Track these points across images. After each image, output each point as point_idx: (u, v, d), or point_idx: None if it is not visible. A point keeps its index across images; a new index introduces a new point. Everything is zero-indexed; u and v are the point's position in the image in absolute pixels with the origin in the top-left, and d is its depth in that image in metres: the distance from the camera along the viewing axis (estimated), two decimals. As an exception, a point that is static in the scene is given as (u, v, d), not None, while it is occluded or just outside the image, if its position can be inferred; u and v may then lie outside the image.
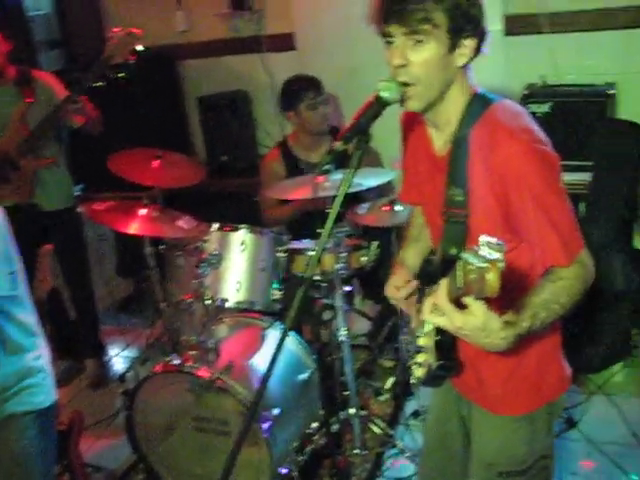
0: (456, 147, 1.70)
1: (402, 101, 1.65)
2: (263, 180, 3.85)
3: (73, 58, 5.15)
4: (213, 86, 4.85)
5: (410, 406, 3.44)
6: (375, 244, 3.21)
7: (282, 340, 1.66)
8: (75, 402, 3.71)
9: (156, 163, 3.26)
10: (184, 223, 3.17)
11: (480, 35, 1.64)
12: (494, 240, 1.25)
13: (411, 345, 1.90)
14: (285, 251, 3.09)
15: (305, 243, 3.23)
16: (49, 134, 3.57)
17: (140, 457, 3.01)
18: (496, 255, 1.23)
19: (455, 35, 1.59)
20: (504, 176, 1.59)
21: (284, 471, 2.84)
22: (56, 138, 3.73)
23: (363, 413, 3.22)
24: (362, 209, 3.40)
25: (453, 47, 1.61)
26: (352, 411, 3.08)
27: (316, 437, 3.05)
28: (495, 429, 1.90)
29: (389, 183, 3.27)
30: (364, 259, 3.17)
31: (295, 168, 3.68)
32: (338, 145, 1.62)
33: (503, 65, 3.89)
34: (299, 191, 2.93)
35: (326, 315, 2.86)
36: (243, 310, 3.12)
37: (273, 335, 3.04)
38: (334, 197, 1.65)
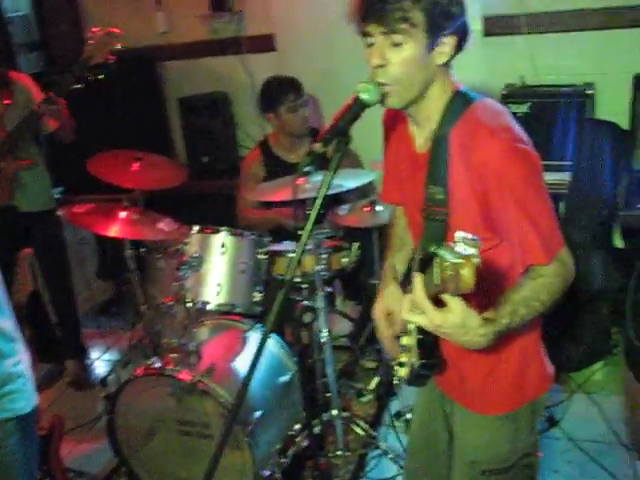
0: (436, 145, 1.70)
1: (382, 100, 1.65)
2: (242, 180, 3.85)
3: (52, 60, 5.11)
4: (193, 87, 4.83)
5: (393, 407, 3.44)
6: (356, 245, 3.21)
7: (263, 344, 1.66)
8: (56, 406, 3.68)
9: (136, 165, 3.25)
10: (165, 225, 3.15)
11: (461, 32, 1.63)
12: (469, 236, 1.25)
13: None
14: (266, 253, 3.08)
15: (286, 245, 3.23)
16: (27, 136, 3.55)
17: (122, 461, 2.99)
18: (471, 251, 1.23)
19: (434, 34, 1.59)
20: (484, 175, 1.59)
21: (267, 473, 2.83)
22: (35, 140, 3.71)
23: (345, 414, 3.22)
24: (343, 210, 3.41)
25: (432, 46, 1.60)
26: (334, 412, 3.08)
27: (299, 439, 3.04)
28: (478, 427, 1.90)
29: (370, 184, 3.27)
30: (345, 260, 3.17)
31: (275, 168, 3.68)
32: (317, 147, 1.62)
33: (482, 66, 3.90)
34: (279, 193, 2.93)
35: (307, 318, 2.85)
36: (224, 313, 3.11)
37: (254, 337, 3.04)
38: (314, 199, 1.65)
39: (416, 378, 1.72)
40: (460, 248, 1.23)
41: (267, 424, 2.83)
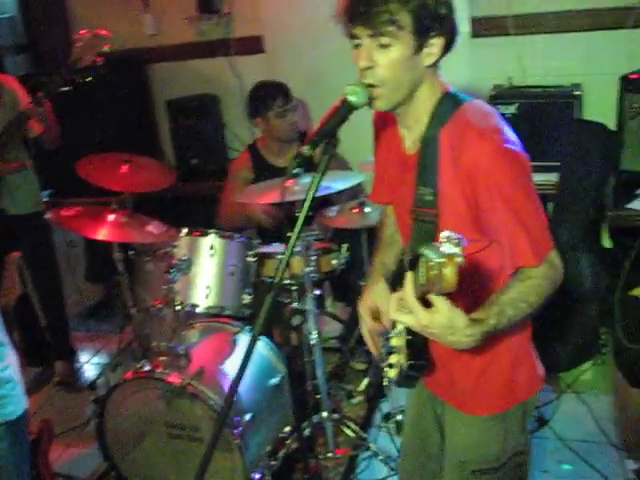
0: (426, 146, 1.70)
1: (370, 102, 1.65)
2: (229, 181, 3.85)
3: (39, 62, 5.10)
4: (182, 89, 4.82)
5: (383, 408, 3.45)
6: (345, 247, 3.21)
7: (251, 347, 1.66)
8: (44, 410, 3.66)
9: (125, 168, 3.24)
10: (153, 228, 3.14)
11: (449, 33, 1.63)
12: (454, 235, 1.25)
13: (382, 346, 1.90)
14: (255, 255, 3.08)
15: (275, 247, 3.23)
16: (16, 138, 3.53)
17: (111, 465, 2.98)
18: (454, 250, 1.23)
19: (421, 36, 1.58)
20: (474, 176, 1.59)
21: (257, 476, 2.82)
22: (24, 143, 3.69)
23: (335, 416, 3.22)
24: (332, 212, 3.40)
25: (420, 47, 1.60)
26: (324, 414, 3.08)
27: (289, 441, 3.04)
28: (467, 427, 1.90)
29: (359, 185, 3.27)
30: (334, 262, 3.18)
31: (264, 172, 3.66)
32: (305, 150, 1.61)
33: (470, 67, 3.92)
34: (268, 195, 2.93)
35: (296, 320, 2.85)
36: (213, 315, 3.11)
37: (244, 340, 3.04)
38: (303, 201, 1.65)
39: (405, 379, 1.72)
40: (445, 248, 1.23)
41: (257, 427, 2.82)
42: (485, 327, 1.48)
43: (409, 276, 1.39)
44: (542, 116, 3.73)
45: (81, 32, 3.21)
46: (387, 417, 3.35)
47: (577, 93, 3.73)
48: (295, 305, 3.03)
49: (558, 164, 3.62)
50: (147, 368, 2.80)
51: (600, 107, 3.77)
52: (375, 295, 1.97)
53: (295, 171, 1.65)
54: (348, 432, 3.25)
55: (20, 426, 2.25)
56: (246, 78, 4.42)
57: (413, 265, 1.39)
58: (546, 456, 3.07)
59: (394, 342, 1.70)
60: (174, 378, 2.72)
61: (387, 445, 3.20)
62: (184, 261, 2.94)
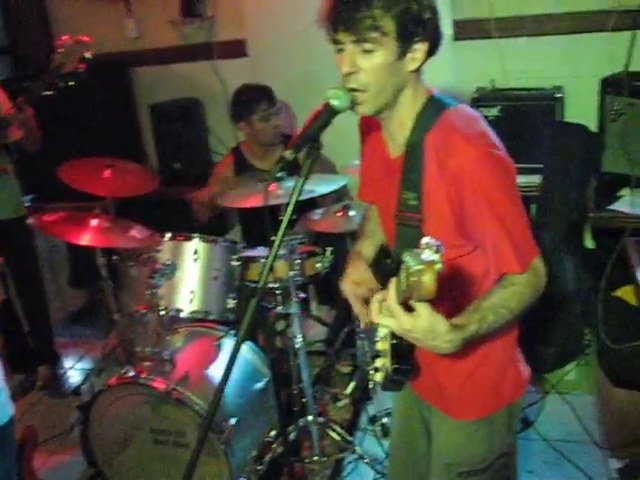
0: (410, 151, 1.70)
1: (352, 106, 1.64)
2: (210, 184, 3.85)
3: (21, 66, 5.06)
4: (165, 94, 4.80)
5: (369, 411, 3.45)
6: (329, 250, 3.21)
7: (235, 353, 1.66)
8: (28, 417, 3.64)
9: (107, 172, 3.23)
10: (137, 233, 3.13)
11: (433, 38, 1.63)
12: (433, 242, 1.24)
13: (367, 350, 1.91)
14: (239, 259, 3.07)
15: (259, 251, 3.22)
16: (-4, 143, 3.51)
17: (96, 472, 2.97)
18: (433, 257, 1.23)
19: (405, 41, 1.58)
20: (459, 181, 1.58)
21: (243, 481, 2.83)
22: (5, 147, 3.66)
23: (321, 420, 3.22)
24: (316, 215, 3.40)
25: (404, 53, 1.59)
26: (310, 418, 3.08)
27: (274, 445, 3.03)
28: (454, 430, 1.91)
29: (343, 188, 3.28)
30: (319, 265, 3.17)
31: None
32: (288, 154, 1.61)
33: (452, 69, 3.94)
34: (251, 199, 2.92)
35: (280, 325, 2.85)
36: (198, 320, 3.10)
37: (228, 344, 3.03)
38: (286, 204, 1.65)
39: (391, 383, 1.72)
40: (425, 255, 1.23)
41: (242, 431, 2.82)
42: (466, 333, 1.48)
43: (392, 282, 1.39)
44: (524, 118, 3.75)
45: (63, 38, 3.20)
46: (373, 420, 3.35)
47: (559, 95, 3.75)
48: (279, 309, 3.03)
49: (540, 166, 3.64)
50: (131, 374, 2.79)
51: (581, 109, 3.80)
52: (354, 273, 1.99)
53: (278, 175, 1.65)
54: (334, 435, 3.25)
55: (7, 433, 2.24)
56: (229, 82, 4.41)
57: (396, 270, 1.40)
58: (531, 457, 3.08)
59: (379, 346, 1.70)
60: (159, 383, 2.71)
61: (373, 448, 3.20)
62: (168, 266, 2.93)
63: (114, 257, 3.21)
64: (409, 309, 1.39)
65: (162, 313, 2.88)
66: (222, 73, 4.64)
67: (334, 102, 1.61)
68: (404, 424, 2.15)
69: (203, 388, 2.79)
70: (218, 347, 3.01)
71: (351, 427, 3.41)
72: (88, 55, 3.18)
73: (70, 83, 3.24)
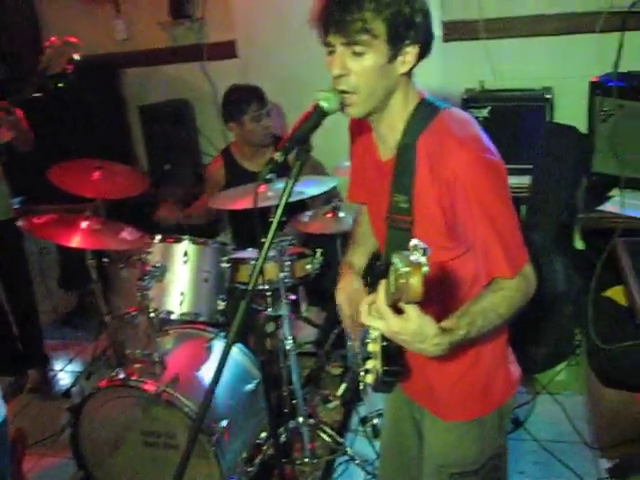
0: (402, 154, 1.69)
1: (342, 108, 1.64)
2: (207, 186, 3.85)
3: (10, 68, 5.04)
4: (155, 95, 4.79)
5: (360, 412, 3.44)
6: (319, 252, 3.21)
7: (225, 356, 1.65)
8: (18, 420, 3.61)
9: (97, 174, 3.22)
10: (127, 234, 3.12)
11: (424, 41, 1.62)
12: (421, 244, 1.24)
13: (358, 352, 1.91)
14: (229, 261, 3.07)
15: (249, 252, 3.22)
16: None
17: (86, 474, 2.96)
18: (420, 259, 1.23)
19: (396, 44, 1.57)
20: (452, 185, 1.58)
21: (234, 483, 2.83)
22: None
23: (312, 421, 3.21)
24: (306, 217, 3.40)
25: (394, 56, 1.59)
26: (300, 420, 3.08)
27: (265, 447, 3.03)
28: (445, 432, 1.91)
29: (333, 189, 3.28)
30: (309, 267, 3.17)
31: (237, 177, 3.66)
32: (277, 156, 1.60)
33: (442, 71, 3.94)
34: (241, 201, 2.92)
35: (269, 327, 2.85)
36: (188, 322, 3.09)
37: (219, 346, 3.03)
38: (276, 206, 1.64)
39: (381, 385, 1.72)
40: (414, 257, 1.23)
41: (233, 433, 2.81)
42: (454, 337, 1.48)
43: (382, 284, 1.39)
44: (514, 119, 3.75)
45: (51, 39, 3.19)
46: (364, 421, 3.35)
47: (548, 96, 3.76)
48: (269, 311, 3.03)
49: (530, 167, 3.65)
50: (122, 376, 2.78)
51: (571, 110, 3.80)
52: (347, 285, 1.99)
53: (268, 177, 1.64)
54: (324, 437, 3.25)
55: (1, 434, 2.23)
56: (219, 83, 4.41)
57: (386, 272, 1.40)
58: (522, 457, 3.09)
59: (370, 348, 1.70)
60: (149, 386, 2.71)
61: (364, 449, 3.20)
62: (158, 268, 2.92)
63: (104, 259, 3.20)
64: (399, 311, 1.39)
65: (152, 315, 2.87)
66: (212, 74, 4.64)
67: (324, 104, 1.61)
68: (395, 425, 2.15)
69: (193, 390, 2.79)
70: (208, 349, 3.01)
71: (342, 428, 3.41)
72: (76, 56, 3.17)
73: (59, 85, 3.23)
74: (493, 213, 1.60)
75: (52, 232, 3.08)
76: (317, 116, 1.62)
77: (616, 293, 3.18)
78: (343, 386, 3.56)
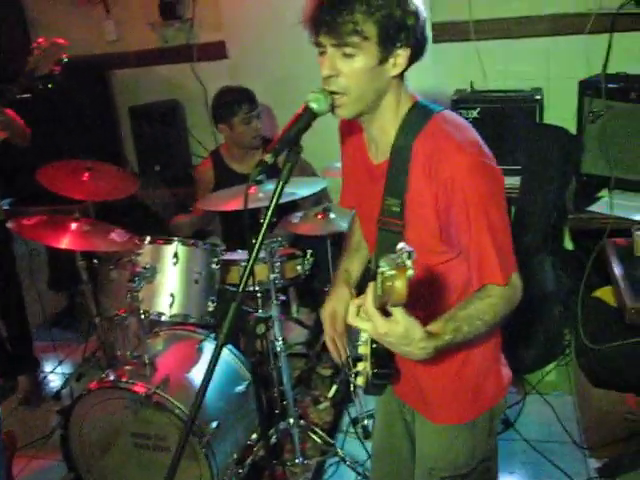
0: (396, 156, 1.68)
1: (332, 110, 1.64)
2: (198, 189, 3.84)
3: (-1, 69, 5.03)
4: (145, 96, 4.78)
5: (350, 413, 3.44)
6: (310, 253, 3.21)
7: (216, 357, 1.65)
8: (7, 422, 3.59)
9: (87, 175, 3.22)
10: (116, 236, 3.12)
11: (416, 44, 1.61)
12: (407, 247, 1.24)
13: (349, 354, 1.92)
14: (219, 262, 3.06)
15: (239, 254, 3.22)
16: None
17: (77, 477, 2.94)
18: (406, 262, 1.23)
19: (387, 47, 1.57)
20: (450, 188, 1.57)
21: (224, 484, 2.82)
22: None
23: (302, 423, 3.21)
24: (296, 218, 3.40)
25: (385, 58, 1.58)
26: (291, 421, 3.08)
27: (256, 449, 3.03)
28: (436, 435, 1.92)
29: (323, 190, 3.28)
30: (299, 268, 3.18)
31: (226, 179, 3.65)
32: (267, 158, 1.59)
33: (431, 72, 3.94)
34: (231, 202, 2.92)
35: (260, 329, 2.84)
36: (178, 323, 3.09)
37: (209, 347, 3.03)
38: (267, 208, 1.64)
39: (372, 387, 1.73)
40: (400, 260, 1.24)
41: (224, 434, 2.81)
42: (439, 342, 1.48)
43: (371, 286, 1.40)
44: (504, 120, 3.76)
45: (39, 40, 3.18)
46: (355, 422, 3.35)
47: (538, 97, 3.77)
48: (260, 313, 3.02)
49: (520, 168, 3.66)
50: (112, 378, 2.78)
51: (560, 111, 3.82)
52: (335, 300, 1.99)
53: (258, 178, 1.64)
54: (315, 438, 3.24)
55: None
56: (209, 84, 4.42)
57: (375, 275, 1.40)
58: (512, 457, 3.09)
59: (361, 350, 1.70)
60: (139, 387, 2.70)
61: (355, 450, 3.20)
62: (148, 269, 2.91)
63: (94, 260, 3.19)
64: (387, 314, 1.39)
65: (142, 317, 2.86)
66: (202, 75, 4.64)
67: (314, 105, 1.60)
68: (387, 427, 2.15)
69: (184, 392, 2.78)
70: (199, 351, 3.01)
71: (332, 430, 3.41)
72: (64, 57, 3.16)
73: (49, 85, 3.21)
74: (490, 219, 1.59)
75: (41, 233, 3.07)
76: (307, 117, 1.61)
77: (605, 293, 3.20)
78: (334, 387, 3.57)
